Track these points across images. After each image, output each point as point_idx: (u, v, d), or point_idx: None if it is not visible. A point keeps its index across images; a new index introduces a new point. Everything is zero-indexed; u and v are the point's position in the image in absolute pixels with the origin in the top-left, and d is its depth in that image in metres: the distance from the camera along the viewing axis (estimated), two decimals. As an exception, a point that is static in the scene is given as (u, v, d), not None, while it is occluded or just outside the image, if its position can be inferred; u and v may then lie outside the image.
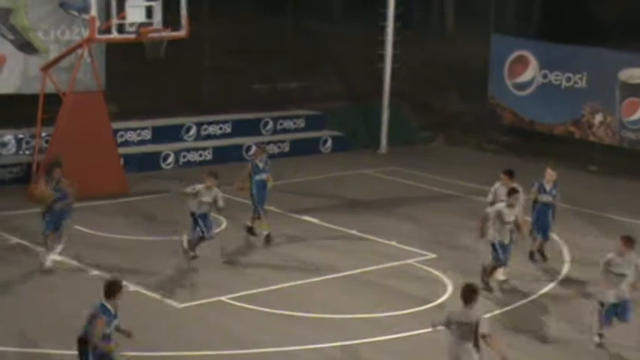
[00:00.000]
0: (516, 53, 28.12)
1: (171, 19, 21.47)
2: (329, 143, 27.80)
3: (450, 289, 16.71)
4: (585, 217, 21.23)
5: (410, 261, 18.21)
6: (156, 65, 22.99)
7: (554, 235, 18.96)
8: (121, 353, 11.86)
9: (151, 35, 21.02)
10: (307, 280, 16.94)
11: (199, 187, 17.18)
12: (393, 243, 19.20)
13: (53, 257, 16.85)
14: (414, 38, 29.26)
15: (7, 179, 22.68)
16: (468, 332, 11.51)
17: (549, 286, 17.15)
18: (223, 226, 19.50)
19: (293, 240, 19.13)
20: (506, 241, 16.39)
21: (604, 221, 20.70)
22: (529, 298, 16.50)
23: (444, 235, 19.95)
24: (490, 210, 16.58)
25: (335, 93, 29.86)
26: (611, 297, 14.34)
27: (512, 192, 16.31)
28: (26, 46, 24.09)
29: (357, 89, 29.76)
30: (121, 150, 23.53)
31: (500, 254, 16.39)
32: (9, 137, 23.44)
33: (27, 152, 23.36)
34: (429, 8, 36.57)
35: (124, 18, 20.86)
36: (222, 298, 15.88)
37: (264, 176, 18.92)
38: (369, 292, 16.59)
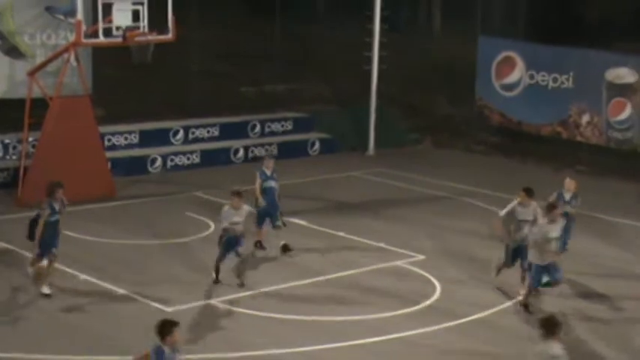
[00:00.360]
0: (503, 54, 28.19)
1: (158, 22, 21.43)
2: (317, 145, 27.80)
3: (438, 290, 16.72)
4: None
5: (399, 262, 18.21)
6: (143, 69, 22.97)
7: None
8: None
9: (137, 39, 20.98)
10: (296, 283, 16.92)
11: (226, 209, 16.44)
12: (382, 245, 19.20)
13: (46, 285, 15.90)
14: (401, 40, 29.29)
15: (-6, 184, 22.63)
16: None
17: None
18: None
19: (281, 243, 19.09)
20: (548, 261, 15.46)
21: (592, 221, 20.74)
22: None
23: (432, 236, 19.96)
24: (535, 232, 15.53)
25: (323, 95, 29.89)
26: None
27: (551, 208, 15.67)
28: (12, 51, 24.04)
29: (345, 92, 29.78)
30: (109, 154, 23.47)
31: (542, 277, 15.50)
32: (-4, 142, 23.41)
33: (14, 157, 23.27)
34: (416, 10, 36.66)
35: (110, 22, 20.81)
36: (212, 302, 15.85)
37: (272, 184, 18.47)
38: (358, 293, 16.57)
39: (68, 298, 15.73)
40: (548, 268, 15.41)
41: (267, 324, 15.01)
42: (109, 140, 24.65)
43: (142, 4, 21.00)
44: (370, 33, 27.66)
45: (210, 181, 23.73)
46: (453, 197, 23.22)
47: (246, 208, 16.61)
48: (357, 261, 18.14)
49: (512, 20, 33.16)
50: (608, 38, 28.07)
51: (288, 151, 26.78)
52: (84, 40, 21.17)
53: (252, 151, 26.58)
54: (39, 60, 23.45)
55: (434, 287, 16.87)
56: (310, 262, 18.00)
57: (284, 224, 18.55)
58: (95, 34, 21.00)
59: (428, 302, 16.15)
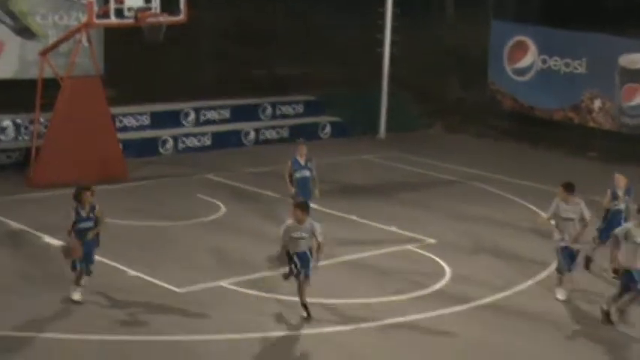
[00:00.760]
0: (516, 39, 28.07)
1: (169, 3, 21.38)
2: (328, 129, 27.77)
3: (448, 274, 16.72)
4: (585, 203, 21.13)
5: (409, 246, 18.20)
6: (154, 50, 22.93)
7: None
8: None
9: (149, 20, 20.95)
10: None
11: (289, 223, 14.42)
12: (393, 228, 19.19)
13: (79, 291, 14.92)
14: (413, 24, 29.19)
15: (6, 164, 22.66)
16: None
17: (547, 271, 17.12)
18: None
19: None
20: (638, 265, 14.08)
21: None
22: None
23: (443, 220, 19.94)
24: (617, 231, 14.43)
25: (334, 79, 29.79)
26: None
27: None
28: (24, 31, 24.05)
29: (357, 75, 29.69)
30: (120, 135, 23.47)
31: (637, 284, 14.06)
32: (7, 122, 23.41)
33: (26, 137, 23.32)
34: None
35: (122, 2, 20.77)
36: (223, 283, 15.87)
37: (306, 173, 17.47)
38: (369, 277, 16.58)
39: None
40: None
41: (278, 306, 15.02)
42: (121, 121, 24.66)
43: (153, -15, 20.98)
44: (382, 16, 27.58)
45: (222, 164, 23.74)
46: (464, 182, 23.18)
47: (310, 222, 14.38)
48: (368, 244, 18.14)
49: (525, 4, 32.97)
50: (622, 23, 27.89)
51: (299, 134, 26.69)
52: (96, 21, 21.15)
53: (263, 134, 26.57)
54: (51, 40, 23.45)
55: (444, 271, 16.86)
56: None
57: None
58: (107, 15, 20.98)
59: (438, 286, 16.14)
